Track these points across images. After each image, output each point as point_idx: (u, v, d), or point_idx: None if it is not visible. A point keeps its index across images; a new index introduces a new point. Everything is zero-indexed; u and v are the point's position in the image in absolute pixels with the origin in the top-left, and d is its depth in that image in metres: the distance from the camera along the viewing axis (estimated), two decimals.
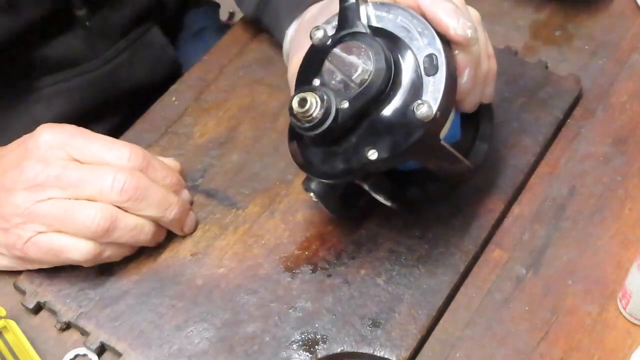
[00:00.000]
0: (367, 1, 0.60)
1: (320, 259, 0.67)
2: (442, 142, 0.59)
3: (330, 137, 0.57)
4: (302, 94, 0.56)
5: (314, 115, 0.56)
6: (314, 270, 0.67)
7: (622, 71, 0.79)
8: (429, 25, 0.58)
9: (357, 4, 0.59)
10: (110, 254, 0.65)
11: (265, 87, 0.79)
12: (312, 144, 0.59)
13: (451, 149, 0.61)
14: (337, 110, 0.56)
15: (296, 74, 0.62)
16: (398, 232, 0.68)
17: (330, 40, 0.59)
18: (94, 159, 0.64)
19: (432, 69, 0.56)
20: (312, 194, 0.62)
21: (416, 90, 0.56)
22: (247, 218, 0.70)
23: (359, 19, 0.59)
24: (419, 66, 0.57)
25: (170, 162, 0.71)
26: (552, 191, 0.71)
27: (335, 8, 0.61)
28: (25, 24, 0.75)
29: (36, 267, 0.66)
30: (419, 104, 0.55)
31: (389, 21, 0.59)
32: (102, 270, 0.67)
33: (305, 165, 0.61)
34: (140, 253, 0.67)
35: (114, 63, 0.85)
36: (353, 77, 0.56)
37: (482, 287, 0.66)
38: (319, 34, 0.60)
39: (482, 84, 0.63)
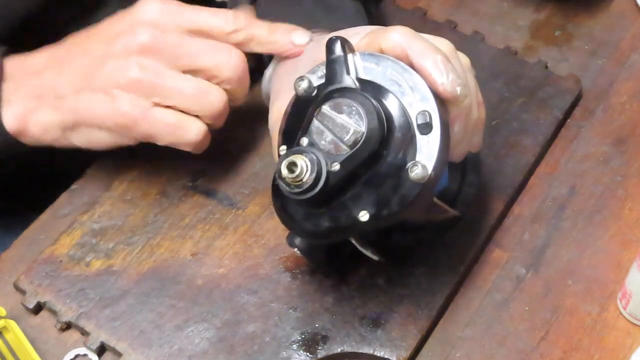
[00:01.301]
0: (354, 52, 0.57)
1: None
2: (435, 200, 0.57)
3: (320, 200, 0.54)
4: (291, 157, 0.53)
5: (304, 180, 0.52)
6: (314, 270, 0.67)
7: (622, 71, 0.79)
8: (421, 80, 0.55)
9: (345, 57, 0.56)
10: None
11: None
12: (297, 204, 0.56)
13: (442, 204, 0.59)
14: (328, 173, 0.53)
15: (278, 123, 0.60)
16: None
17: (315, 92, 0.57)
18: (203, 27, 0.64)
19: (426, 128, 0.53)
20: (296, 249, 0.61)
21: (410, 149, 0.54)
22: (247, 218, 0.70)
23: (348, 72, 0.55)
24: (411, 123, 0.54)
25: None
26: (552, 191, 0.71)
27: (317, 54, 0.60)
28: None
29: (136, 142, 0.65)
30: (413, 165, 0.52)
31: (378, 74, 0.56)
32: (102, 270, 0.67)
33: (288, 222, 0.58)
34: (141, 253, 0.67)
35: None
36: (345, 139, 0.53)
37: (482, 287, 0.66)
38: (304, 85, 0.57)
39: (470, 133, 0.60)
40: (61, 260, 0.67)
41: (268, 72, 0.71)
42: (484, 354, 0.63)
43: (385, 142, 0.54)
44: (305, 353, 0.63)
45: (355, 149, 0.53)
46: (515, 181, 0.71)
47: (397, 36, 0.56)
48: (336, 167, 0.53)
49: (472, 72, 0.60)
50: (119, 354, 0.63)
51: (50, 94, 0.64)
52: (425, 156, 0.53)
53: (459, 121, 0.57)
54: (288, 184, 0.53)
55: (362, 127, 0.53)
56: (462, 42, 0.79)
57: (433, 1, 0.85)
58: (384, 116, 0.54)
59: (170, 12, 0.64)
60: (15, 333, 0.63)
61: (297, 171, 0.52)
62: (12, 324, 0.63)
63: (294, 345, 0.63)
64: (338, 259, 0.64)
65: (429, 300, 0.64)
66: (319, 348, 0.63)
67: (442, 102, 0.55)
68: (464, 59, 0.60)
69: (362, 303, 0.65)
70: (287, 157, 0.53)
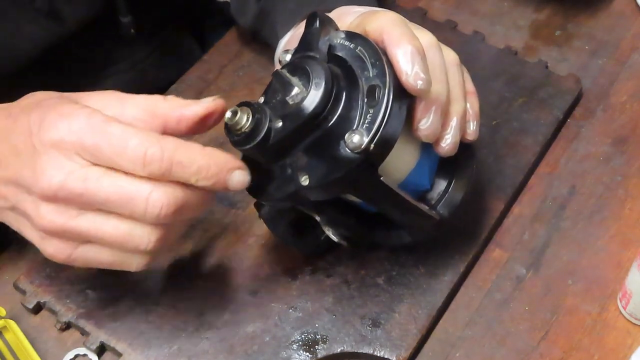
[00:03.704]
0: (337, 28, 0.59)
1: (320, 258, 0.67)
2: (382, 180, 0.56)
3: (266, 156, 0.56)
4: (235, 107, 0.55)
5: (242, 129, 0.55)
6: (314, 270, 0.67)
7: (622, 71, 0.79)
8: (382, 58, 0.56)
9: (318, 30, 0.58)
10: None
11: (265, 87, 0.79)
12: (253, 161, 0.58)
13: (399, 191, 0.58)
14: (270, 128, 0.55)
15: None
16: None
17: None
18: (110, 164, 0.54)
19: (372, 101, 0.54)
20: (262, 217, 0.62)
21: (355, 120, 0.55)
22: (247, 218, 0.70)
23: (318, 44, 0.58)
24: (362, 95, 0.55)
25: (210, 101, 0.57)
26: (552, 191, 0.71)
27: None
28: (68, 31, 0.75)
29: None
30: (352, 133, 0.54)
31: (349, 50, 0.57)
32: (102, 270, 0.66)
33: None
34: None
35: (145, 64, 0.85)
36: (288, 97, 0.55)
37: (482, 287, 0.66)
38: (287, 57, 0.59)
39: (458, 125, 0.59)
40: None
41: (282, 43, 0.72)
42: (484, 354, 0.63)
43: (330, 108, 0.55)
44: (305, 353, 0.63)
45: (296, 108, 0.55)
46: (515, 181, 0.71)
47: (381, 21, 0.57)
48: (279, 124, 0.55)
49: (460, 68, 0.61)
50: (118, 354, 0.63)
51: None
52: (366, 127, 0.54)
53: (434, 109, 0.57)
54: (230, 131, 0.56)
55: (307, 89, 0.55)
56: (462, 42, 0.79)
57: (433, 1, 0.85)
58: (334, 84, 0.55)
59: (72, 145, 0.53)
60: (15, 333, 0.63)
61: (236, 119, 0.55)
62: (12, 324, 0.63)
63: (294, 345, 0.63)
64: (311, 236, 0.65)
65: (429, 300, 0.65)
66: (319, 348, 0.63)
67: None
68: (450, 55, 0.60)
69: (362, 303, 0.65)
70: (234, 107, 0.56)
